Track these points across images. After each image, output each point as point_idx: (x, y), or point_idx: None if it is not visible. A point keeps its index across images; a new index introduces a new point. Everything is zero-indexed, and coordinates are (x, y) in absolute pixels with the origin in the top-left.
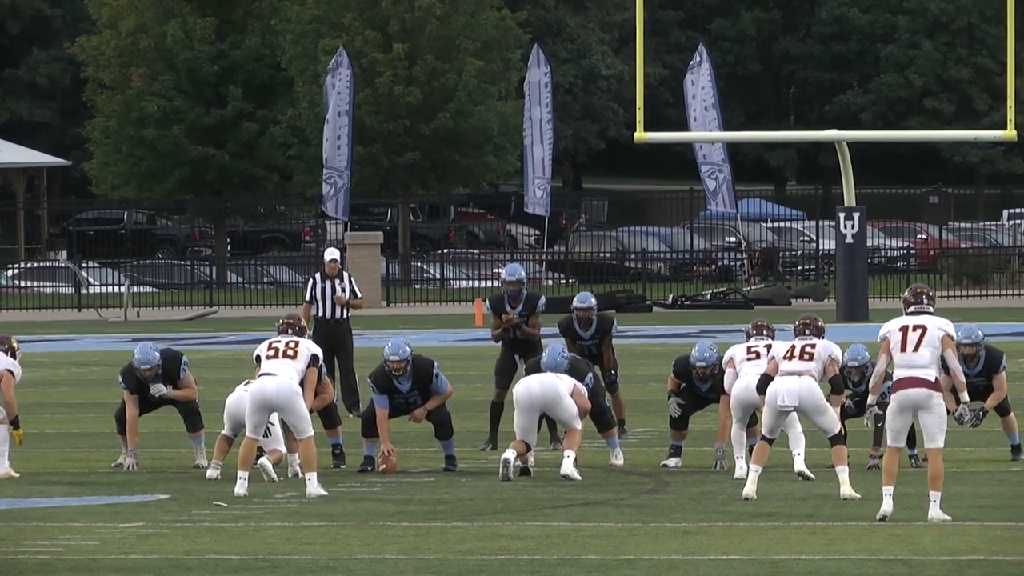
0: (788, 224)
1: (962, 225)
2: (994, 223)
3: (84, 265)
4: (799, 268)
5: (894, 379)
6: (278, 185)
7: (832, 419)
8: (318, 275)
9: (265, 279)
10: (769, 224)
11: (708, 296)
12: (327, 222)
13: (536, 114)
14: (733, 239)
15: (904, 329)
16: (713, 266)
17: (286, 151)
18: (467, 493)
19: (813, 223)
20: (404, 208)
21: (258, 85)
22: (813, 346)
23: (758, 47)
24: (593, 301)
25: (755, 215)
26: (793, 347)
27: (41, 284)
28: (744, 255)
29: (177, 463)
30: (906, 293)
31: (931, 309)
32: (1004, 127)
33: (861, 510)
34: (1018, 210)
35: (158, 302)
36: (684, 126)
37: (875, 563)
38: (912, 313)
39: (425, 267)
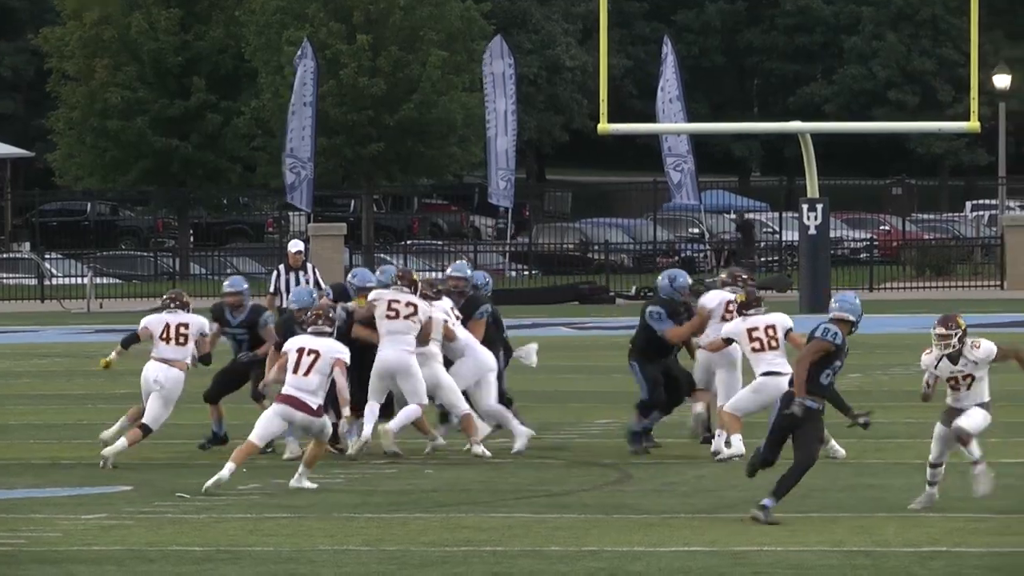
0: (752, 215)
1: (925, 216)
2: (957, 215)
3: (47, 256)
4: (763, 259)
5: None
6: (242, 176)
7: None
8: (282, 266)
9: (228, 270)
10: (732, 216)
11: None
12: (291, 213)
13: (500, 105)
14: (696, 230)
15: None
16: (676, 257)
17: (250, 142)
18: (430, 484)
19: (777, 214)
20: (368, 199)
21: (222, 76)
22: None
23: (722, 39)
24: (468, 271)
25: (719, 206)
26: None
27: (4, 275)
28: (708, 246)
29: (140, 455)
30: None
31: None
32: (968, 119)
33: (824, 501)
34: (981, 201)
35: (121, 293)
36: (650, 117)
37: (838, 554)
38: None
39: (389, 258)
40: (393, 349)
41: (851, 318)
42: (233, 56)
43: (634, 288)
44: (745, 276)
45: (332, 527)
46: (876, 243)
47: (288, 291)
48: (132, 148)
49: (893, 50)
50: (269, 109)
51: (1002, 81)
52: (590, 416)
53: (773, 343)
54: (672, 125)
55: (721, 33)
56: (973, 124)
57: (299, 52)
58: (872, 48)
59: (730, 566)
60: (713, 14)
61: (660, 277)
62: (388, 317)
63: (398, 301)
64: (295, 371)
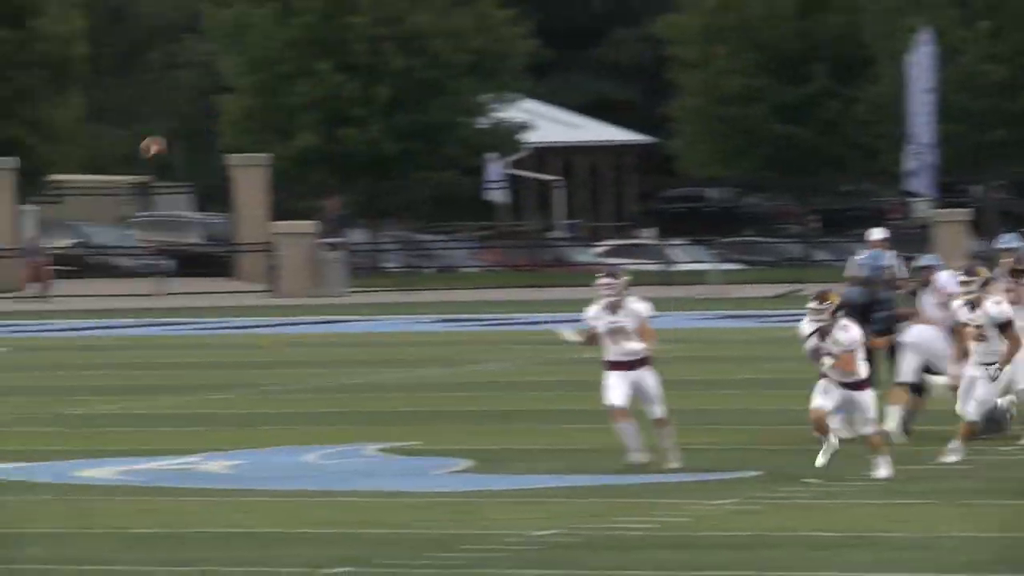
0: None
1: None
2: None
3: (671, 243)
4: None
5: None
6: (862, 163)
7: None
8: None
9: (850, 257)
10: None
11: None
12: (912, 199)
13: None
14: None
15: None
16: None
17: (870, 129)
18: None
19: None
20: (991, 185)
21: (841, 63)
22: None
23: None
24: None
25: None
26: None
27: (628, 261)
28: None
29: (769, 440)
30: None
31: None
32: None
33: None
34: None
35: (745, 279)
36: None
37: None
38: None
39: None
40: None
41: None
42: (853, 43)
43: None
44: None
45: (959, 512)
46: None
47: None
48: (751, 135)
49: None
50: (888, 96)
51: None
52: None
53: None
54: None
55: None
56: None
57: (919, 38)
58: None
59: None
60: None
61: None
62: None
63: None
64: None
